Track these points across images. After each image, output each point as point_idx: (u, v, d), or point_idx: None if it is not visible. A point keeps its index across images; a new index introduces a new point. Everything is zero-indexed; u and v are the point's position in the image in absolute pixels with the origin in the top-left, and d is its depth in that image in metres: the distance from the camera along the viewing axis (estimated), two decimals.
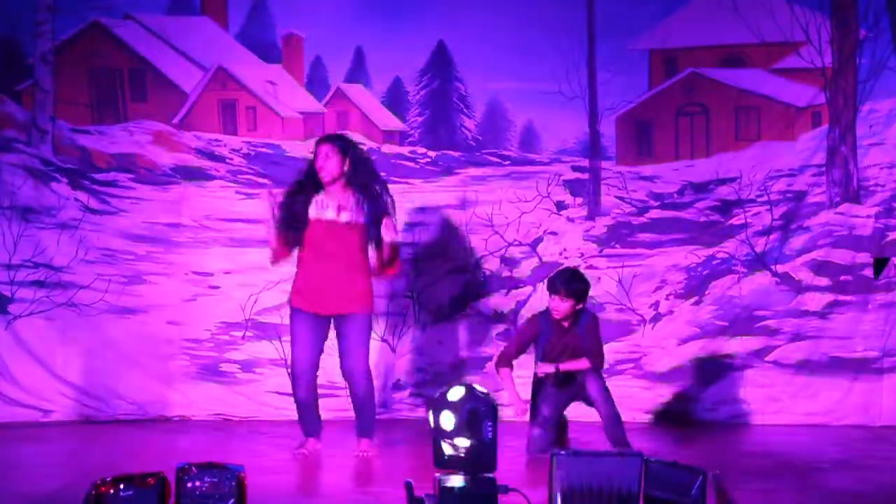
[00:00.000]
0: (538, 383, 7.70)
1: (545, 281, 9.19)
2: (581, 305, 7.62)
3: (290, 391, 8.72)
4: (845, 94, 9.16)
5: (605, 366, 7.80)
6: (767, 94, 9.35)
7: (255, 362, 9.25)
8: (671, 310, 9.25)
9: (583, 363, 7.50)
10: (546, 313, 7.75)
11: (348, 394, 7.79)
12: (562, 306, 7.54)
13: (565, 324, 7.59)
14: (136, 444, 8.23)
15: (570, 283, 7.57)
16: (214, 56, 9.43)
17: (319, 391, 7.82)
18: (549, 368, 7.51)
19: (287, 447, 7.82)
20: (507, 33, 9.19)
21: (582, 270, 8.13)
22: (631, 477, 5.43)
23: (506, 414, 7.09)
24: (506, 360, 7.68)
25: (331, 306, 7.60)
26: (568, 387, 7.62)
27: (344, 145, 7.64)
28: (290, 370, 7.72)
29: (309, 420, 7.79)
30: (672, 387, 9.15)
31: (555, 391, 7.62)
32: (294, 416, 8.31)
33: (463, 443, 4.91)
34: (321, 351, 7.70)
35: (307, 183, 7.63)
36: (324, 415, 7.86)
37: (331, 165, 7.56)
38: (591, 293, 7.86)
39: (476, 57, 9.34)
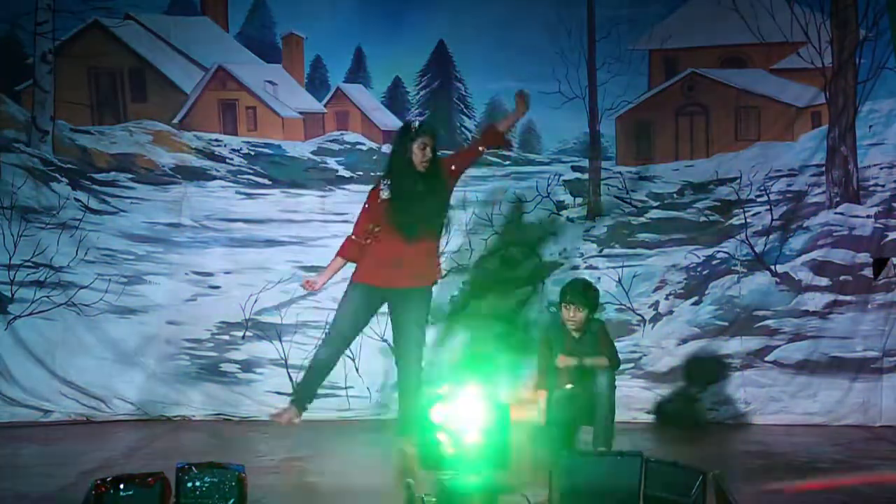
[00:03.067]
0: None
1: (545, 282, 9.25)
2: (594, 314, 7.66)
3: (290, 391, 8.72)
4: (845, 94, 9.16)
5: (621, 367, 7.82)
6: (767, 94, 9.34)
7: (255, 362, 9.23)
8: (671, 310, 9.24)
9: (602, 360, 7.55)
10: (552, 326, 7.80)
11: (397, 383, 7.76)
12: (578, 316, 7.57)
13: (576, 333, 7.61)
14: (136, 444, 8.23)
15: (584, 293, 7.60)
16: (214, 56, 9.43)
17: (319, 391, 7.82)
18: (571, 361, 7.53)
19: (287, 447, 7.81)
20: (508, 33, 9.18)
21: (587, 278, 8.14)
22: (631, 477, 5.44)
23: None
24: (542, 383, 7.67)
25: (395, 281, 7.57)
26: (576, 387, 7.64)
27: None
28: (326, 331, 7.71)
29: (307, 388, 7.75)
30: (672, 387, 9.14)
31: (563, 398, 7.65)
32: None
33: None
34: (363, 325, 7.73)
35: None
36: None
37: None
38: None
39: (476, 57, 9.34)
